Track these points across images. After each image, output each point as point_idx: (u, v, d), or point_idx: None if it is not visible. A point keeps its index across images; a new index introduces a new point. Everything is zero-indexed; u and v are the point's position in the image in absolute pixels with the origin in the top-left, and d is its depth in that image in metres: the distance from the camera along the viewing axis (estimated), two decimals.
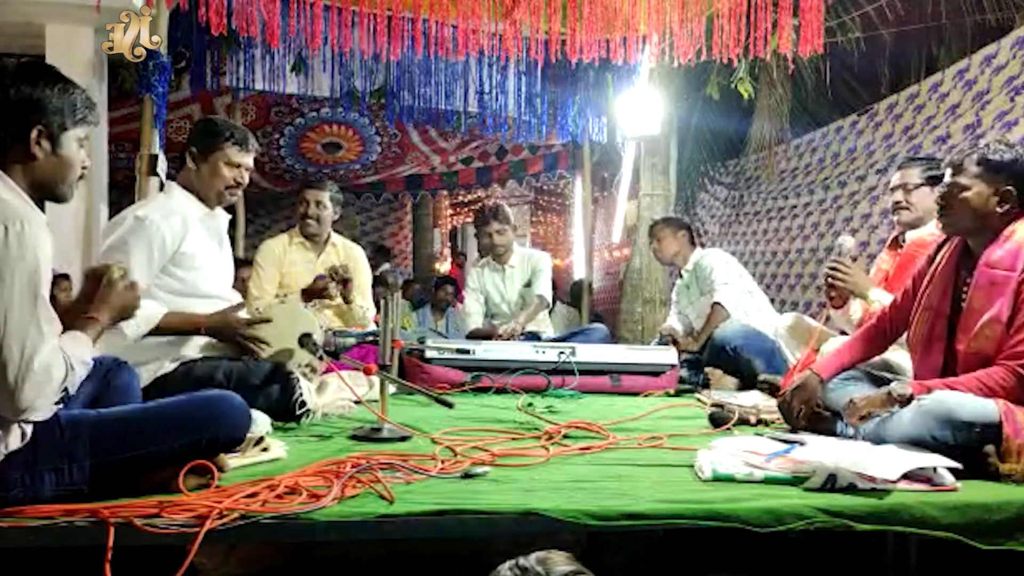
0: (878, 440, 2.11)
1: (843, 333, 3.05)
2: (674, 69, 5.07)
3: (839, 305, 2.94)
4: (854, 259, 2.91)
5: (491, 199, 10.75)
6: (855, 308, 3.01)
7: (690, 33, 4.16)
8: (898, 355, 2.64)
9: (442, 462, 2.00)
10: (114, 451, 1.62)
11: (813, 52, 3.90)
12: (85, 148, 1.70)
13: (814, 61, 5.04)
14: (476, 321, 4.52)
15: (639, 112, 5.47)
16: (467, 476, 1.90)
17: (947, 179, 2.26)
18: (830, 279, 2.83)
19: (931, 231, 2.91)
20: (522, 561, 1.13)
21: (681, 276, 4.37)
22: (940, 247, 2.40)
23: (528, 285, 4.54)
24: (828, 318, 3.05)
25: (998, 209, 2.17)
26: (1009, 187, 2.16)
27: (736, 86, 4.94)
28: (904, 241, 2.99)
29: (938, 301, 2.28)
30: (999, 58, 3.96)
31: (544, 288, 4.50)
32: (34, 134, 1.60)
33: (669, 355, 3.66)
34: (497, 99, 5.46)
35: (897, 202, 2.98)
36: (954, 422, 1.94)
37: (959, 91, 4.26)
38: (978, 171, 2.19)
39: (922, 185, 2.93)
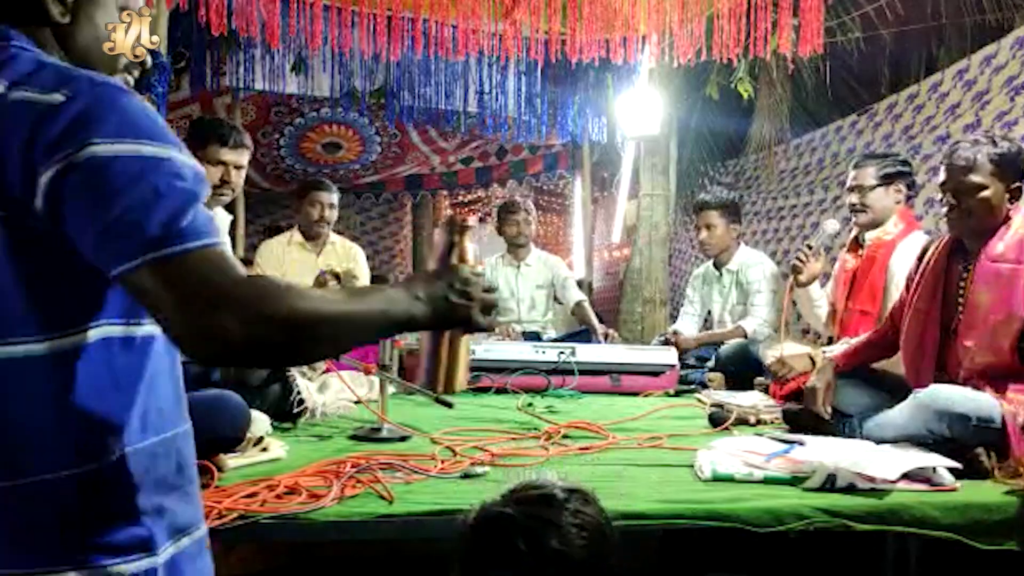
0: (875, 435, 2.11)
1: (817, 336, 3.13)
2: (674, 69, 5.07)
3: (802, 284, 3.07)
4: (828, 249, 2.98)
5: (493, 199, 10.77)
6: (821, 301, 3.10)
7: (690, 33, 4.16)
8: None
9: (442, 462, 2.00)
10: None
11: (813, 52, 3.90)
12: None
13: (814, 61, 5.03)
14: None
15: (639, 112, 5.47)
16: (467, 476, 1.90)
17: (959, 177, 2.15)
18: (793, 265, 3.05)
19: (888, 230, 2.93)
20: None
21: (719, 272, 4.07)
22: (927, 248, 2.37)
23: (541, 287, 4.55)
24: (792, 288, 3.15)
25: (1008, 207, 2.13)
26: (1019, 183, 2.12)
27: (736, 86, 4.93)
28: (864, 240, 3.00)
29: (928, 302, 2.24)
30: (999, 58, 3.96)
31: (580, 294, 4.57)
32: None
33: (669, 355, 3.66)
34: (497, 99, 5.46)
35: (853, 204, 2.99)
36: (950, 415, 1.94)
37: (959, 91, 4.25)
38: (992, 169, 2.12)
39: (878, 186, 2.95)
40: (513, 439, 2.37)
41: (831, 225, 3.13)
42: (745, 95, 5.05)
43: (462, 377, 1.24)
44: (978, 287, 2.13)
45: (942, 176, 2.20)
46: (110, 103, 0.85)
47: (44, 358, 0.86)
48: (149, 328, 0.93)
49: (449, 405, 2.45)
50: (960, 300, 2.18)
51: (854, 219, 3.03)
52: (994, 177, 2.11)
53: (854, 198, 2.99)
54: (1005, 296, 2.06)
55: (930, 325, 2.23)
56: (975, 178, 2.12)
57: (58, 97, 0.84)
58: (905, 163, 3.03)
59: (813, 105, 6.10)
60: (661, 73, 5.51)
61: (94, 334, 0.88)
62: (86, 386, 0.87)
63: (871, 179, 2.95)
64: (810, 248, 3.01)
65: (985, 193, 2.12)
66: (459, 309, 1.05)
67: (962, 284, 2.18)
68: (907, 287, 2.41)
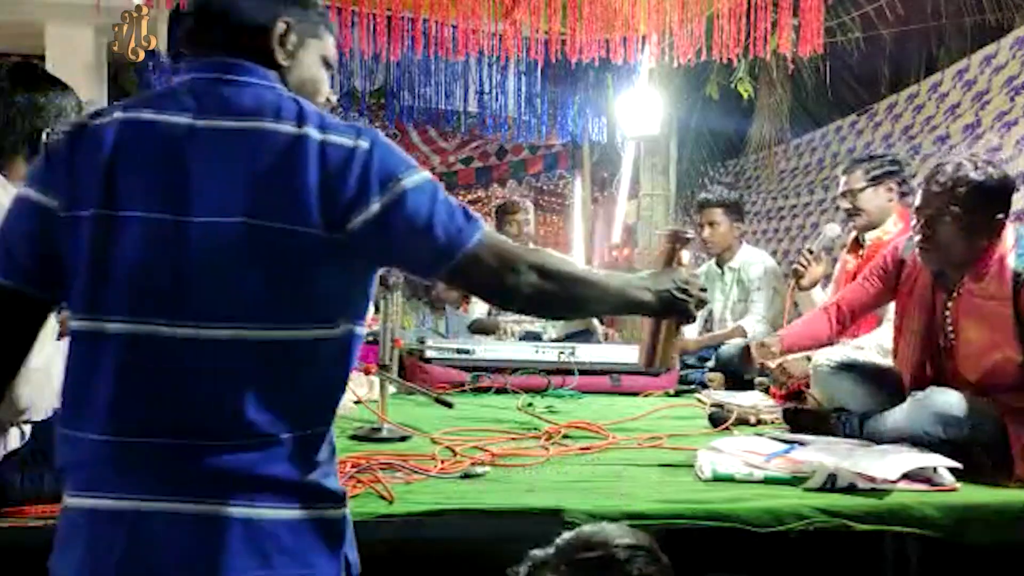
0: (875, 435, 2.11)
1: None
2: (674, 69, 5.07)
3: (804, 287, 3.09)
4: (830, 251, 2.99)
5: (493, 199, 10.76)
6: (819, 300, 3.10)
7: (690, 33, 4.16)
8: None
9: (442, 462, 2.00)
10: None
11: (813, 52, 3.90)
12: None
13: (814, 61, 5.03)
14: (480, 310, 4.52)
15: (639, 112, 5.47)
16: (467, 476, 1.90)
17: (935, 204, 1.99)
18: (795, 269, 3.07)
19: (888, 229, 2.92)
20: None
21: (721, 270, 4.04)
22: (902, 253, 2.29)
23: None
24: (796, 288, 3.15)
25: (987, 239, 1.99)
26: (1000, 215, 1.98)
27: (736, 86, 4.94)
28: (864, 241, 3.00)
29: (920, 326, 2.17)
30: (999, 58, 3.96)
31: None
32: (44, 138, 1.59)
33: None
34: (497, 99, 5.46)
35: (847, 209, 3.00)
36: (946, 417, 1.94)
37: (959, 91, 4.26)
38: (973, 199, 1.95)
39: (866, 187, 2.94)
40: (513, 439, 2.36)
41: (832, 229, 3.13)
42: (745, 95, 5.06)
43: (673, 357, 1.54)
44: (966, 322, 2.04)
45: (918, 200, 2.06)
46: (389, 144, 1.08)
47: (313, 341, 1.04)
48: (361, 329, 1.12)
49: (449, 405, 2.45)
50: (949, 329, 2.09)
51: (851, 223, 3.04)
52: (973, 208, 1.96)
53: (846, 203, 3.00)
54: (998, 338, 1.97)
55: (926, 346, 2.16)
56: (953, 208, 1.97)
57: (363, 143, 1.04)
58: (894, 162, 3.02)
59: (813, 105, 6.11)
60: (661, 73, 5.51)
61: (342, 329, 1.07)
62: (335, 364, 1.08)
63: (859, 182, 2.95)
64: (811, 252, 3.02)
65: (961, 224, 1.97)
66: (678, 303, 1.33)
67: (947, 314, 2.09)
68: (882, 284, 2.36)
